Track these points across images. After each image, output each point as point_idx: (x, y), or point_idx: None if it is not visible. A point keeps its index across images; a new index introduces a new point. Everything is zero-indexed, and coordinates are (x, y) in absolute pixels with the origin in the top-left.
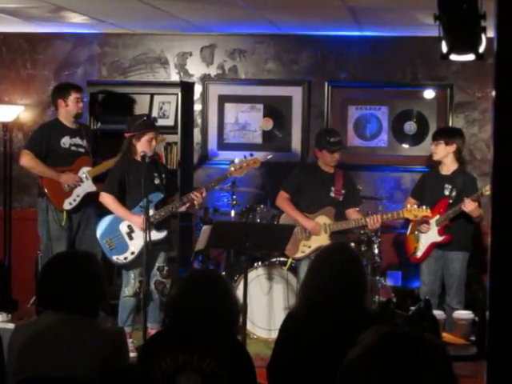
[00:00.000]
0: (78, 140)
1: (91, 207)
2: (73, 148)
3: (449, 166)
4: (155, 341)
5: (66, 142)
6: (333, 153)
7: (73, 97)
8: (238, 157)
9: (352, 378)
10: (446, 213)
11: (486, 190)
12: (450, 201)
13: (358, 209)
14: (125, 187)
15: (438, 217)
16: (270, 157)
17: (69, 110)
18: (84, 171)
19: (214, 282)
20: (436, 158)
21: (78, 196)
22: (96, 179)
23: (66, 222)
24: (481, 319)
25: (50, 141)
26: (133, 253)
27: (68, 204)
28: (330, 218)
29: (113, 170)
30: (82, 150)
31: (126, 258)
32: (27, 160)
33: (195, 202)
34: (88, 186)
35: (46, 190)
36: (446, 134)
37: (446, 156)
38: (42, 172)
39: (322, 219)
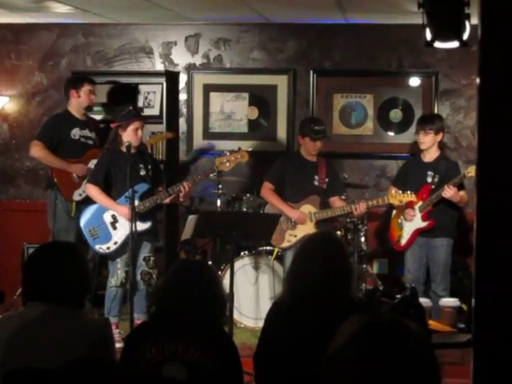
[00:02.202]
0: (87, 132)
1: None
2: (82, 140)
3: (432, 154)
4: (140, 331)
5: (76, 133)
6: (315, 141)
7: (85, 88)
8: (223, 146)
9: (335, 367)
10: (429, 198)
11: (469, 172)
12: (433, 186)
13: (343, 197)
14: (111, 178)
15: (420, 203)
16: (250, 149)
17: (80, 101)
18: (94, 163)
19: (201, 271)
20: (424, 147)
21: None
22: None
23: (75, 212)
24: (470, 306)
25: (61, 132)
26: (116, 243)
27: (78, 195)
28: (315, 207)
29: (99, 161)
30: (90, 142)
31: (108, 248)
32: (37, 150)
33: (181, 195)
34: None
35: (55, 181)
36: (436, 123)
37: (433, 145)
38: (51, 162)
39: (307, 208)
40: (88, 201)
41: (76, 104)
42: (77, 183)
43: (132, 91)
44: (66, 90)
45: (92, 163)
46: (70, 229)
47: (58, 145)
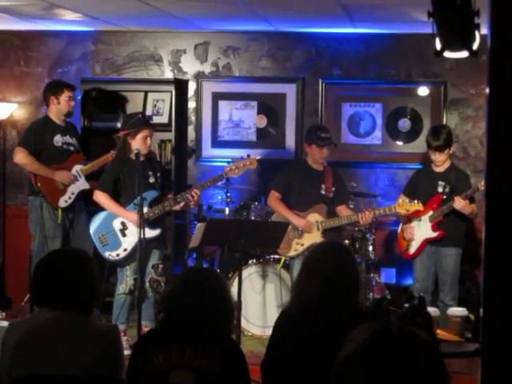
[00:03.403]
0: (68, 138)
1: (81, 204)
2: (64, 146)
3: (442, 164)
4: (149, 338)
5: (58, 140)
6: (322, 148)
7: (65, 95)
8: (231, 154)
9: (345, 375)
10: (440, 208)
11: (482, 185)
12: (444, 197)
13: (351, 205)
14: (120, 186)
15: (431, 213)
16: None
17: (60, 107)
18: (77, 169)
19: (209, 279)
20: (440, 164)
21: (72, 194)
22: (87, 177)
23: (62, 219)
24: (477, 316)
25: (44, 138)
26: (125, 250)
27: (64, 202)
28: (322, 216)
29: (107, 169)
30: (72, 148)
31: (118, 255)
32: (22, 157)
33: (191, 203)
34: (81, 184)
35: (41, 188)
36: (449, 139)
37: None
38: (36, 169)
39: (314, 217)
40: (71, 207)
41: (55, 110)
42: (61, 190)
43: (140, 99)
44: (46, 96)
45: (75, 169)
46: (56, 236)
47: (41, 152)
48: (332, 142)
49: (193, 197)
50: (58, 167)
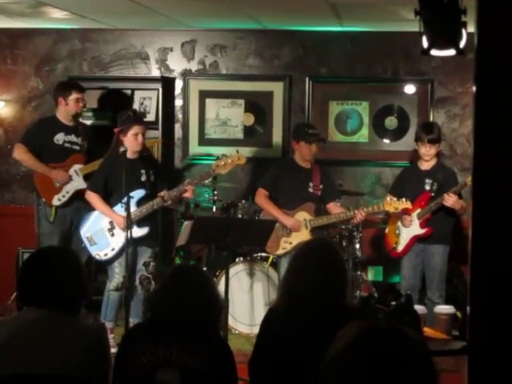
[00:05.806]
0: (73, 137)
1: (83, 203)
2: (66, 145)
3: (429, 162)
4: (135, 333)
5: (59, 138)
6: (310, 144)
7: (74, 97)
8: (219, 152)
9: (333, 373)
10: (428, 206)
11: (470, 181)
12: (432, 194)
13: (338, 203)
14: (111, 184)
15: (419, 210)
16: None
17: (68, 109)
18: (76, 168)
19: (196, 277)
20: (429, 158)
21: (67, 192)
22: (89, 177)
23: (54, 217)
24: (464, 314)
25: (44, 136)
26: (113, 249)
27: (57, 200)
28: (310, 214)
29: (99, 168)
30: (76, 147)
31: (106, 255)
32: (19, 153)
33: (186, 194)
34: (78, 183)
35: (37, 185)
36: (439, 134)
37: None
38: (33, 166)
39: (302, 215)
40: (70, 206)
41: (63, 111)
42: (57, 188)
43: (128, 97)
44: (55, 96)
45: (73, 169)
46: (53, 233)
47: (41, 149)
48: (321, 138)
49: (186, 190)
50: (56, 166)
